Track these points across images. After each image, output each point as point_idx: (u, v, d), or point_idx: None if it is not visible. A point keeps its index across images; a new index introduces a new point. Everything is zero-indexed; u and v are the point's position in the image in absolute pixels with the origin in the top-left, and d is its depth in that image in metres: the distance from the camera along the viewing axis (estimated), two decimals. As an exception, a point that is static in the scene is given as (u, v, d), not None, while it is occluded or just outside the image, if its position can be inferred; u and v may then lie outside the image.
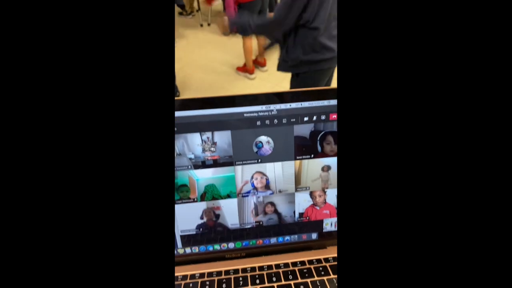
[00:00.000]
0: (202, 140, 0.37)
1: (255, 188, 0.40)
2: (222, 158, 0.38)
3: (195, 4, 3.07)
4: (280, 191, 0.41)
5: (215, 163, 0.39)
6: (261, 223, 0.42)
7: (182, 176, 0.39)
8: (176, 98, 0.35)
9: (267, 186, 0.40)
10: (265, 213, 0.42)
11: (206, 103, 0.36)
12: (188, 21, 3.12)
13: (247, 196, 0.41)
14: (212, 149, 0.38)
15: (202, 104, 0.36)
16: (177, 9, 3.07)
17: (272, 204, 0.41)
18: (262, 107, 0.36)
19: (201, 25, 3.02)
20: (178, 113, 0.36)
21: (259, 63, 2.37)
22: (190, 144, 0.37)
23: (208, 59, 2.54)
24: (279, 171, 0.39)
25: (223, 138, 0.37)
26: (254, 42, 2.20)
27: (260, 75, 2.32)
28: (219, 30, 2.17)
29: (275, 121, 0.36)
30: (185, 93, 2.16)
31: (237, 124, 0.36)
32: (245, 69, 2.31)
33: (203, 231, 0.42)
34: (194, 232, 0.42)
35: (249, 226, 0.42)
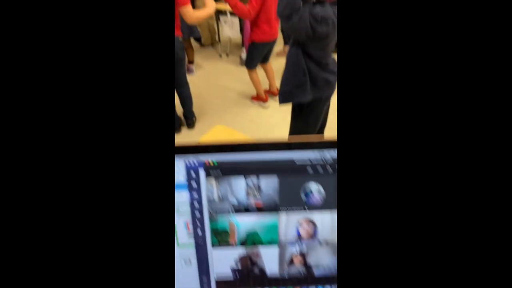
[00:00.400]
0: (246, 184, 0.35)
1: (300, 236, 0.37)
2: (267, 205, 0.36)
3: (216, 37, 3.25)
4: (327, 243, 0.38)
5: (259, 209, 0.36)
6: (301, 273, 0.39)
7: (223, 220, 0.37)
8: (223, 142, 0.34)
9: (313, 236, 0.37)
10: (307, 263, 0.38)
11: (254, 146, 0.34)
12: (208, 51, 3.28)
13: (291, 244, 0.38)
14: (256, 194, 0.36)
15: (250, 148, 0.34)
16: (193, 41, 3.24)
17: (316, 254, 0.38)
18: (316, 154, 0.34)
19: (220, 56, 3.16)
20: (223, 156, 0.34)
21: (272, 93, 2.43)
22: (234, 188, 0.36)
23: (225, 88, 2.62)
24: (327, 221, 0.37)
25: (269, 184, 0.35)
26: (261, 74, 2.29)
27: (273, 104, 2.36)
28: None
29: (330, 169, 0.35)
30: (201, 118, 2.20)
31: (286, 171, 0.35)
32: (259, 98, 2.37)
33: (240, 277, 0.39)
34: (230, 278, 0.39)
35: (288, 275, 0.39)
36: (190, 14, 1.56)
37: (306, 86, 1.13)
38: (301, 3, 0.97)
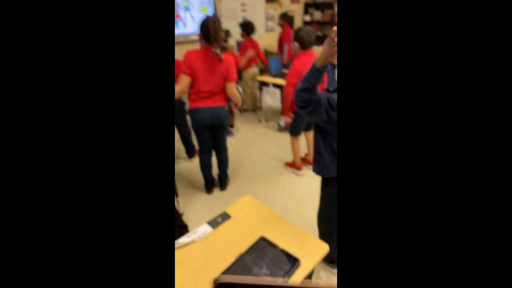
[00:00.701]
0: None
1: None
2: None
3: (257, 103, 3.53)
4: None
5: None
6: None
7: None
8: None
9: None
10: None
11: None
12: (249, 116, 3.54)
13: None
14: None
15: None
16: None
17: None
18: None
19: (260, 121, 3.37)
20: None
21: (307, 161, 2.43)
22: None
23: (260, 152, 2.71)
24: None
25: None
26: (302, 142, 2.33)
27: (307, 172, 2.34)
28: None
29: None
30: (234, 180, 2.24)
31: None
32: (293, 165, 2.37)
33: None
34: None
35: None
36: (233, 89, 1.77)
37: (320, 164, 1.16)
38: (319, 96, 0.97)
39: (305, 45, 1.90)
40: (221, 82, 1.71)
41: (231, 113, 2.94)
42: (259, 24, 4.70)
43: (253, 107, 3.58)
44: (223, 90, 1.76)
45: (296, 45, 1.95)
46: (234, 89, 1.76)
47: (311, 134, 2.37)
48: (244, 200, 1.16)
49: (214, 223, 1.02)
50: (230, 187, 2.18)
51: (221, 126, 1.88)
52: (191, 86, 1.67)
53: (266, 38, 4.68)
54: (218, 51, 1.60)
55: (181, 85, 1.62)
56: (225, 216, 1.05)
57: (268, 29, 4.84)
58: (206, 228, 1.00)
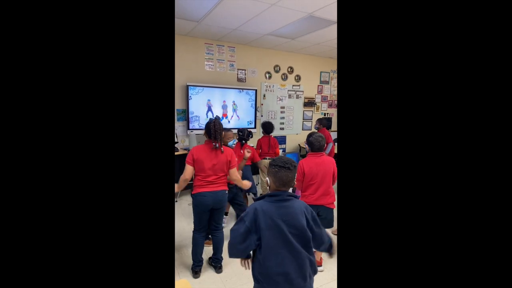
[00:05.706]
0: None
1: None
2: None
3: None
4: None
5: None
6: None
7: None
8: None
9: None
10: None
11: None
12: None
13: None
14: None
15: None
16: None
17: None
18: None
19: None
20: None
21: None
22: None
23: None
24: None
25: None
26: None
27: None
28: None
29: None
30: (228, 264, 2.23)
31: None
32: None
33: None
34: None
35: None
36: (235, 174, 2.06)
37: None
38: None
39: (314, 149, 2.14)
40: (224, 167, 2.03)
41: (245, 197, 3.11)
42: (297, 123, 5.32)
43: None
44: (225, 175, 2.06)
45: (307, 147, 2.23)
46: (235, 174, 2.05)
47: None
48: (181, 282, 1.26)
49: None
50: (225, 271, 2.17)
51: (221, 209, 2.10)
52: (197, 173, 1.99)
53: (303, 135, 5.17)
54: (217, 145, 1.98)
55: (185, 173, 1.96)
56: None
57: (305, 128, 5.38)
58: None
